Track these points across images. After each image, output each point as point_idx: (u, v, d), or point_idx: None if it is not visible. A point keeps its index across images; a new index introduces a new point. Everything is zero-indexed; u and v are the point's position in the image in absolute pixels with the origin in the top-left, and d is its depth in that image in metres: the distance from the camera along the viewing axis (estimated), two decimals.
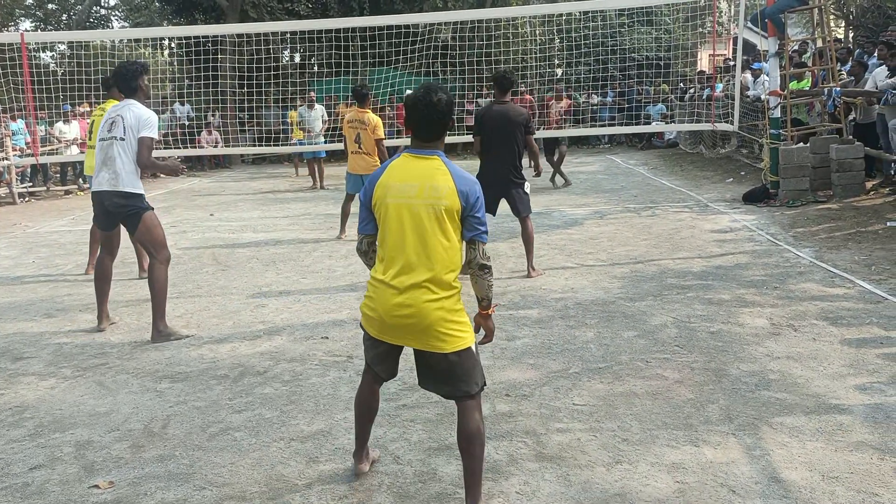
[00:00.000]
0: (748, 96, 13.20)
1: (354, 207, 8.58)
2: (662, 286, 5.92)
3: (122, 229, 5.36)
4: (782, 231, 7.77)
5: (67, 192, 15.05)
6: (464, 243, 2.77)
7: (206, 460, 3.31)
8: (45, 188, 15.04)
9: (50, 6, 33.23)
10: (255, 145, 17.56)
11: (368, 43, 12.41)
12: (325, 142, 13.98)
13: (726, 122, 11.48)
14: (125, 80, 5.13)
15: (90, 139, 7.06)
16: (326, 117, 14.41)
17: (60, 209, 12.77)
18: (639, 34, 21.48)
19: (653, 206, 9.96)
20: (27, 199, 14.21)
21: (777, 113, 9.58)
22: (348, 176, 8.63)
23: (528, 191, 6.45)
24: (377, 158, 8.25)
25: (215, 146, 17.91)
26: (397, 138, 14.36)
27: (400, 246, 2.68)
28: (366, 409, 3.01)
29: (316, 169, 13.89)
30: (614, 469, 3.10)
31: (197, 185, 15.98)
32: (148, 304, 5.30)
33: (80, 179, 15.40)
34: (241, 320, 5.49)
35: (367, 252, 2.87)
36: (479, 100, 16.75)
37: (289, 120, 17.46)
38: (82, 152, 15.14)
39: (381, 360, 2.88)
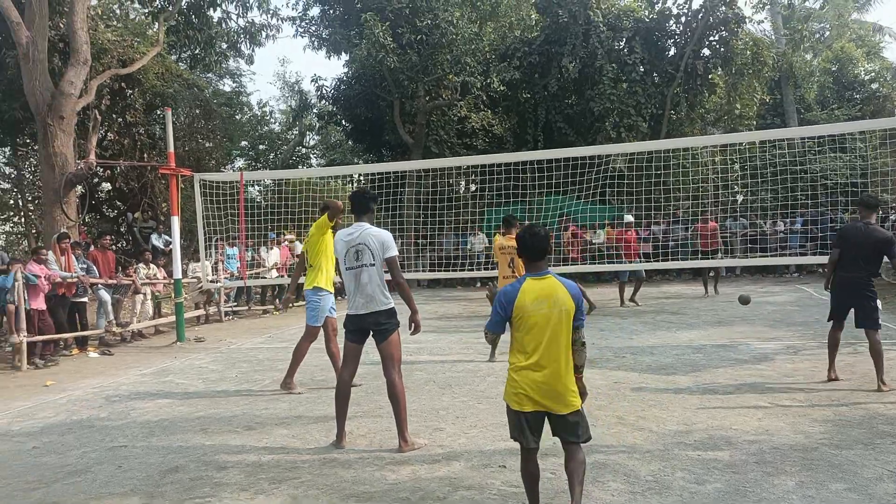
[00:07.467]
0: None
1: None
2: (873, 433, 5.32)
3: None
4: None
5: (265, 312, 16.50)
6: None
7: None
8: (246, 308, 16.60)
9: (260, 147, 37.97)
10: (431, 270, 18.37)
11: (542, 171, 12.81)
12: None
13: None
14: (366, 202, 5.66)
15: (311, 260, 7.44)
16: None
17: (259, 327, 14.00)
18: (830, 160, 20.40)
19: (855, 343, 9.09)
20: (231, 317, 15.73)
21: None
22: None
23: (878, 305, 6.84)
24: None
25: None
26: (571, 265, 14.43)
27: (538, 343, 3.71)
28: (536, 478, 3.86)
29: None
30: None
31: None
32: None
33: (277, 300, 16.88)
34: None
35: (495, 341, 3.73)
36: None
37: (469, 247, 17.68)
38: (281, 276, 16.65)
39: (530, 430, 3.74)
